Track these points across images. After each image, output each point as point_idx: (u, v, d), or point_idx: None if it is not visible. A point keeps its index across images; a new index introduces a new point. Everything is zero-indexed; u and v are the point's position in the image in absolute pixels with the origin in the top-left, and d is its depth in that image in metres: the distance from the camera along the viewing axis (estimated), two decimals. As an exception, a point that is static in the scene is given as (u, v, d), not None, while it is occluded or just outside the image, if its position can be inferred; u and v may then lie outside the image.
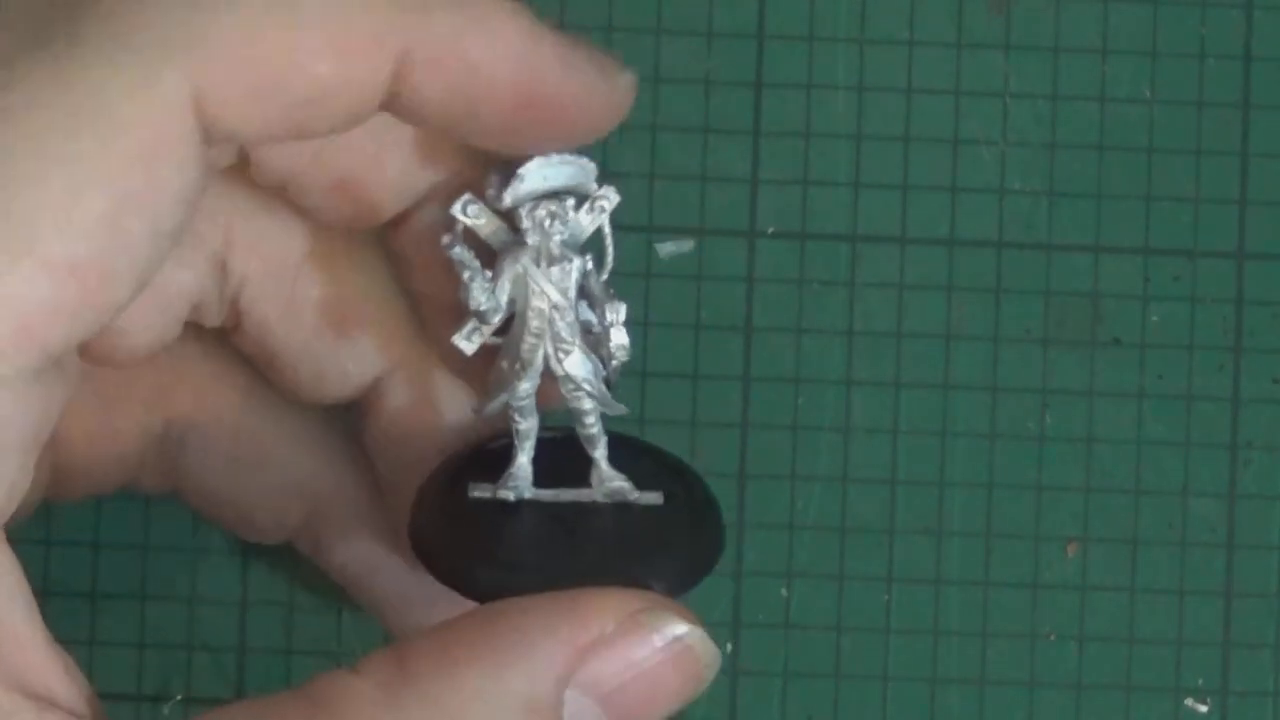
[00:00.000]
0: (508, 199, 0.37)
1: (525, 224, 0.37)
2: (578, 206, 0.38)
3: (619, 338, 0.37)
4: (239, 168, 0.38)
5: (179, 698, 0.45)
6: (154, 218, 0.33)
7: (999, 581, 0.45)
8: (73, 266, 0.32)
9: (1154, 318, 0.45)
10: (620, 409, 0.38)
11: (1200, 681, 0.45)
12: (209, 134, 0.33)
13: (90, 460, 0.40)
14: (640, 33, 0.45)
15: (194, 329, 0.40)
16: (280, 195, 0.38)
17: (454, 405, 0.40)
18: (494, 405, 0.38)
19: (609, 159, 0.45)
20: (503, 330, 0.38)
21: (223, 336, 0.41)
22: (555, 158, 0.37)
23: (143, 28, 0.32)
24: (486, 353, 0.38)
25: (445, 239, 0.37)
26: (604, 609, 0.34)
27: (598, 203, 0.38)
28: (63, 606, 0.45)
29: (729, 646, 0.45)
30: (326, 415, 0.42)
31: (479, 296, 0.37)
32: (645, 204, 0.45)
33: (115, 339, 0.38)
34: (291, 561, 0.45)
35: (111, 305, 0.33)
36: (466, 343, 0.38)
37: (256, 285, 0.39)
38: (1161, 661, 0.45)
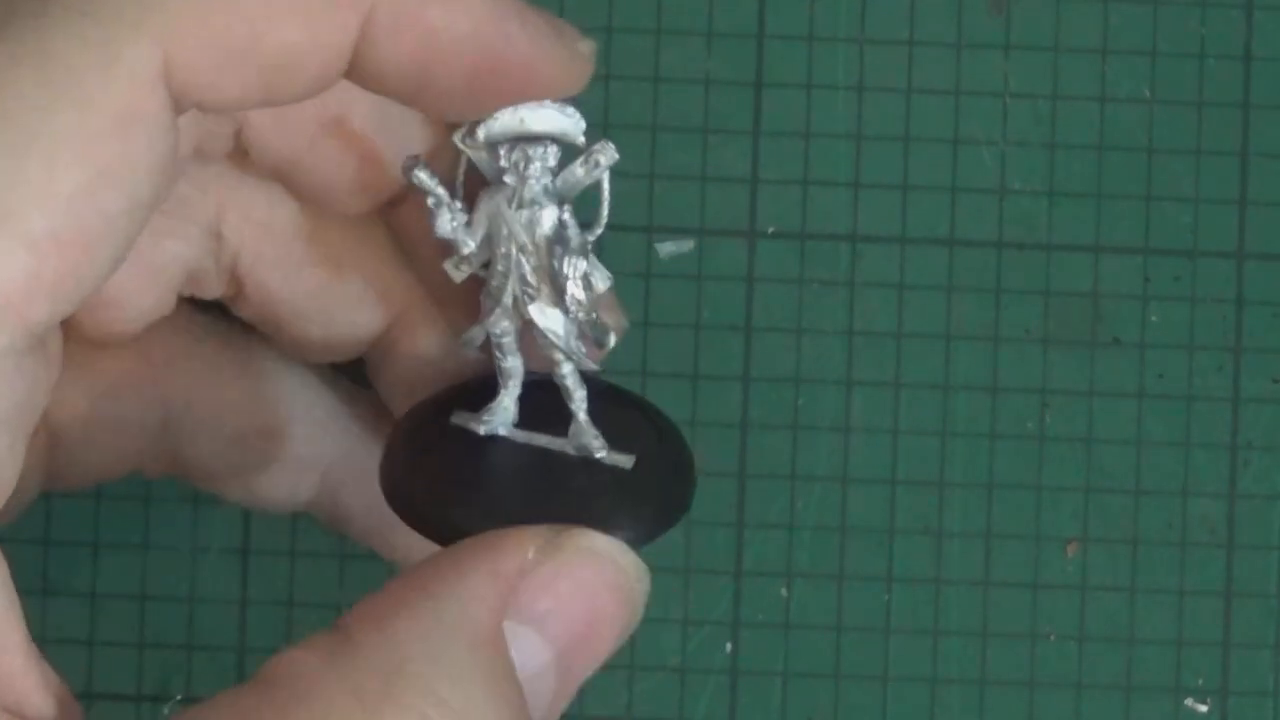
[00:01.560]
0: (480, 134, 0.37)
1: (503, 163, 0.37)
2: (572, 158, 0.37)
3: (574, 290, 0.37)
4: (236, 154, 0.38)
5: (179, 698, 0.45)
6: (130, 189, 0.33)
7: (999, 581, 0.45)
8: (52, 240, 0.32)
9: (1154, 318, 0.45)
10: (590, 365, 0.38)
11: (1200, 681, 0.45)
12: (179, 103, 0.33)
13: (90, 450, 0.40)
14: (640, 33, 0.45)
15: (185, 311, 0.40)
16: (280, 179, 0.38)
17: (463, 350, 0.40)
18: (472, 334, 0.38)
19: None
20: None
21: (218, 318, 0.41)
22: (535, 102, 0.37)
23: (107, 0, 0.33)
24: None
25: (405, 162, 0.37)
26: (522, 539, 0.35)
27: (594, 156, 0.37)
28: (63, 606, 0.45)
29: (729, 646, 0.45)
30: (329, 380, 0.42)
31: (443, 224, 0.37)
32: (645, 204, 0.45)
33: (110, 312, 0.38)
34: (292, 561, 0.45)
35: (91, 278, 0.33)
36: (455, 271, 0.38)
37: (253, 250, 0.39)
38: (1161, 661, 0.45)
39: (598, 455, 0.38)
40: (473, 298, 0.38)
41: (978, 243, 0.45)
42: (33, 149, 0.32)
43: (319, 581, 0.45)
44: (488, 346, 0.38)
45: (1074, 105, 0.45)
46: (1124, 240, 0.45)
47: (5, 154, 0.32)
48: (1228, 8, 0.45)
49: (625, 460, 0.38)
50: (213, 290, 0.40)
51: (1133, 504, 0.45)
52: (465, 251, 0.37)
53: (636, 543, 0.36)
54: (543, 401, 0.38)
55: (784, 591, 0.45)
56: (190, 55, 0.33)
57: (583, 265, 0.37)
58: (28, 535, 0.44)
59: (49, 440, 0.39)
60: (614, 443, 0.38)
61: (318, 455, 0.42)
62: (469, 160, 0.37)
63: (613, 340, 0.38)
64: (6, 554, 0.34)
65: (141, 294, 0.38)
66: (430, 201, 0.37)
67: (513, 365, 0.38)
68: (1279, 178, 0.45)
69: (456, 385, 0.39)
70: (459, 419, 0.38)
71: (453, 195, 0.37)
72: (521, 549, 0.35)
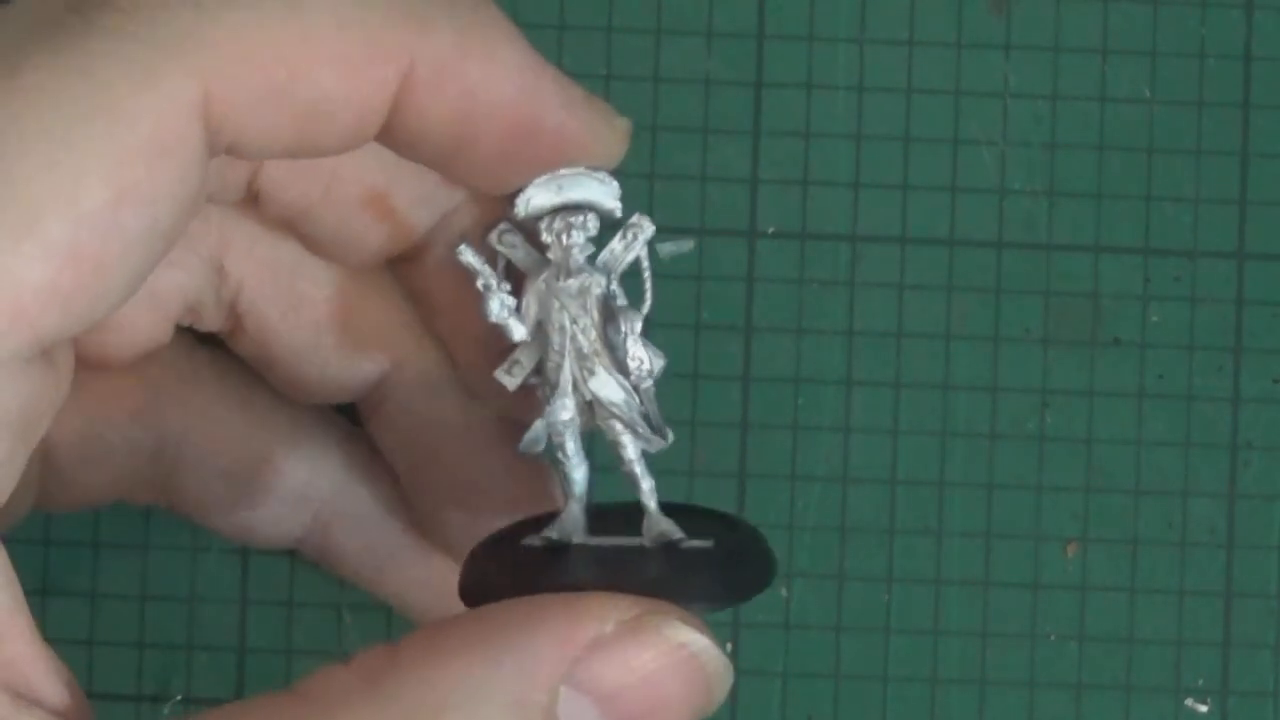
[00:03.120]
0: (520, 208, 0.36)
1: (545, 238, 0.37)
2: (608, 228, 0.37)
3: (633, 348, 0.36)
4: (246, 200, 0.38)
5: (179, 698, 0.45)
6: (152, 215, 0.33)
7: (999, 581, 0.45)
8: (71, 253, 0.32)
9: (1154, 318, 0.45)
10: (660, 442, 0.37)
11: (1200, 681, 0.45)
12: (214, 140, 0.33)
13: (79, 472, 0.40)
14: (640, 33, 0.45)
15: (186, 342, 0.40)
16: (290, 228, 0.38)
17: (461, 401, 0.40)
18: (534, 434, 0.37)
19: (609, 159, 0.45)
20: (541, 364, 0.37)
21: (216, 350, 0.41)
22: (566, 170, 0.36)
23: (154, 25, 0.33)
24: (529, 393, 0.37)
25: (459, 247, 0.36)
26: (603, 609, 0.34)
27: (630, 229, 0.37)
28: (63, 606, 0.45)
29: (729, 646, 0.45)
30: (324, 419, 0.42)
31: (493, 307, 0.36)
32: (645, 204, 0.45)
33: (106, 335, 0.38)
34: (291, 561, 0.45)
35: (104, 298, 0.33)
36: (508, 377, 0.37)
37: (255, 286, 0.39)
38: (1161, 661, 0.45)
39: (676, 539, 0.36)
40: (491, 353, 0.38)
41: (978, 243, 0.45)
42: (63, 159, 0.32)
43: (319, 582, 0.45)
44: (549, 452, 0.37)
45: (1074, 105, 0.45)
46: (1124, 240, 0.45)
47: (36, 160, 0.32)
48: (1228, 8, 0.45)
49: (704, 543, 0.36)
50: (211, 323, 0.40)
51: (1133, 504, 0.45)
52: (517, 338, 0.37)
53: (719, 605, 0.35)
54: (607, 519, 0.37)
55: (784, 591, 0.45)
56: (228, 89, 0.33)
57: (639, 323, 0.36)
58: (28, 535, 0.44)
59: (42, 457, 0.39)
60: (688, 533, 0.36)
61: (310, 493, 0.42)
62: (506, 260, 0.37)
63: (670, 437, 0.37)
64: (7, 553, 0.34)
65: (138, 319, 0.38)
66: (480, 284, 0.36)
67: (578, 474, 0.37)
68: (1279, 178, 0.45)
69: (522, 519, 0.38)
70: (532, 540, 0.37)
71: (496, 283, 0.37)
72: (602, 620, 0.33)
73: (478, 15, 0.35)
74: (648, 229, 0.37)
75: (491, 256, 0.37)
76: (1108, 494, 0.45)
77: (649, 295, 0.38)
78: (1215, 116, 0.45)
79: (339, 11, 0.34)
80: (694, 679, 0.34)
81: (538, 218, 0.37)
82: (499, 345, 0.37)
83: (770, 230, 0.45)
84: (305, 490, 0.42)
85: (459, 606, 0.36)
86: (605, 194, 0.37)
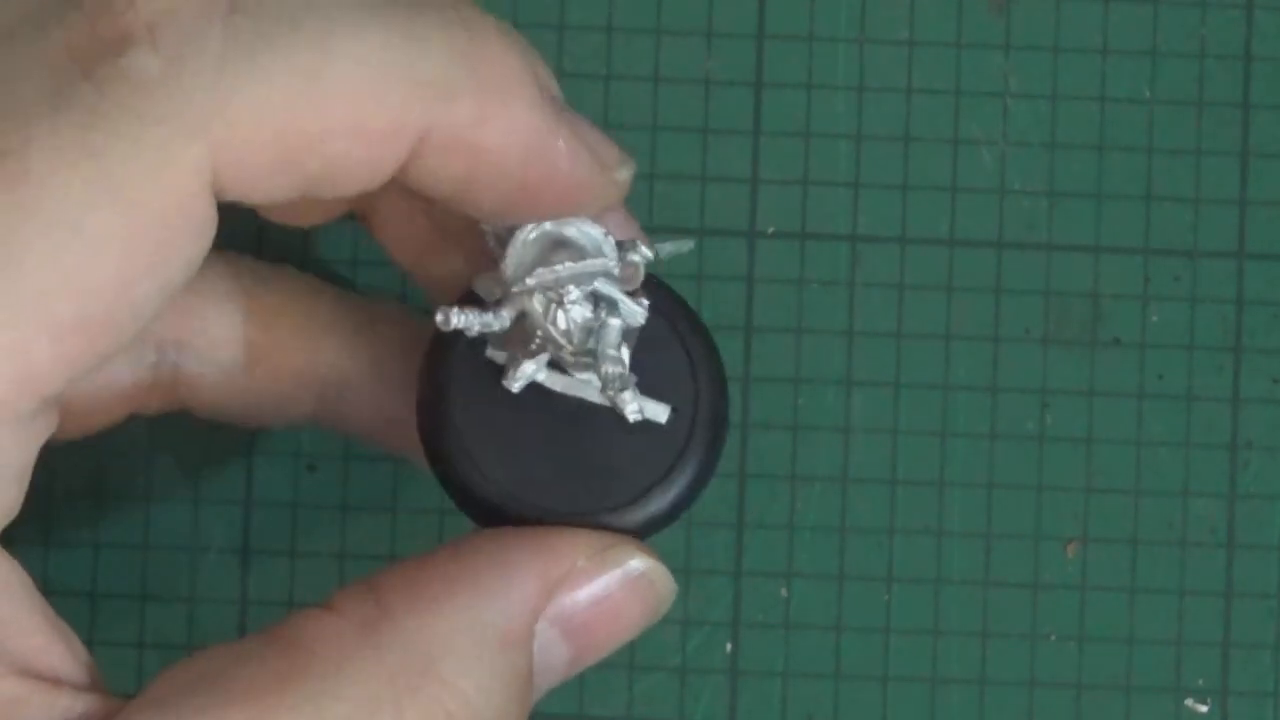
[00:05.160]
0: (510, 279, 0.37)
1: (531, 282, 0.37)
2: (594, 279, 0.37)
3: (609, 368, 0.37)
4: None
5: (179, 698, 0.45)
6: (165, 280, 0.33)
7: (999, 581, 0.45)
8: (76, 326, 0.33)
9: (1154, 318, 0.45)
10: (633, 411, 0.38)
11: (1200, 681, 0.45)
12: (219, 197, 0.34)
13: (90, 400, 0.40)
14: (640, 33, 0.45)
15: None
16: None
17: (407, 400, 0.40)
18: (518, 378, 0.38)
19: (609, 159, 0.45)
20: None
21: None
22: (551, 225, 0.37)
23: (165, 99, 0.32)
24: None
25: (439, 317, 0.36)
26: (575, 546, 0.36)
27: (628, 255, 0.37)
28: (63, 606, 0.45)
29: (729, 646, 0.45)
30: (315, 289, 0.42)
31: (497, 351, 0.37)
32: (645, 204, 0.45)
33: (65, 421, 0.38)
34: (292, 561, 0.45)
35: (112, 352, 0.33)
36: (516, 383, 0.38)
37: (193, 371, 0.40)
38: (1161, 661, 0.45)
39: (631, 418, 0.38)
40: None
41: (978, 243, 0.45)
42: (72, 242, 0.32)
43: (319, 581, 0.45)
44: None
45: (1074, 105, 0.45)
46: (1124, 240, 0.45)
47: (45, 249, 0.32)
48: (1228, 8, 0.45)
49: (660, 412, 0.38)
50: (151, 409, 0.40)
51: (1133, 504, 0.45)
52: (497, 329, 0.37)
53: (667, 520, 0.38)
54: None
55: (784, 591, 0.45)
56: (240, 160, 0.33)
57: (618, 370, 0.37)
58: (28, 535, 0.44)
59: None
60: (649, 378, 0.38)
61: (311, 370, 0.41)
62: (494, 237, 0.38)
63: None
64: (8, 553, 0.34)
65: (93, 414, 0.39)
66: (473, 334, 0.37)
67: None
68: (1279, 178, 0.45)
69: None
70: (495, 355, 0.38)
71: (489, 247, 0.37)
72: (572, 556, 0.36)
73: (498, 77, 0.35)
74: (644, 253, 0.38)
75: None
76: (1108, 494, 0.45)
77: (642, 317, 0.38)
78: (1215, 116, 0.45)
79: (360, 83, 0.33)
80: (648, 600, 0.37)
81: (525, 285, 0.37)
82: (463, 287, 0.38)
83: (770, 230, 0.45)
84: (311, 369, 0.41)
85: None
86: (600, 268, 0.37)
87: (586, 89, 0.45)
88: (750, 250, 0.45)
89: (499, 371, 0.38)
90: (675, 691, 0.45)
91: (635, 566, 0.37)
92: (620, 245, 0.37)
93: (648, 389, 0.38)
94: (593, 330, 0.37)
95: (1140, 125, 0.45)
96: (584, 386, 0.38)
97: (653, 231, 0.45)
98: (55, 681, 0.34)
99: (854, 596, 0.45)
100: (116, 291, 0.33)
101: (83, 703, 0.34)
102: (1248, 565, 0.45)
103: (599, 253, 0.37)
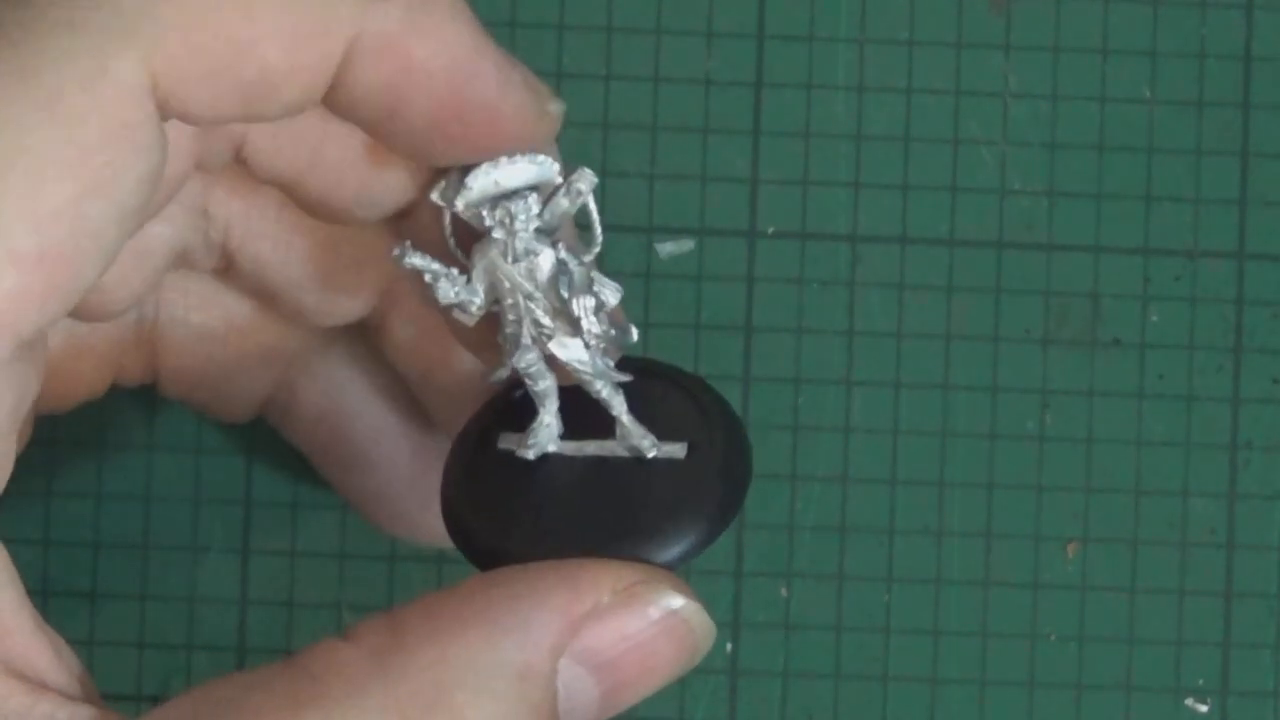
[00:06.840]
0: (459, 204, 0.37)
1: (488, 222, 0.37)
2: (550, 196, 0.37)
3: (588, 325, 0.37)
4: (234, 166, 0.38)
5: (179, 698, 0.45)
6: (118, 201, 0.33)
7: (999, 581, 0.45)
8: (39, 256, 0.32)
9: (1154, 318, 0.45)
10: (620, 377, 0.37)
11: (1200, 681, 0.45)
12: (162, 113, 0.33)
13: (72, 370, 0.40)
14: (640, 33, 0.45)
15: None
16: (286, 193, 0.38)
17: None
18: (499, 374, 0.38)
19: (609, 159, 0.45)
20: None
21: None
22: (505, 160, 0.36)
23: (95, 10, 0.32)
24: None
25: (395, 251, 0.37)
26: (600, 580, 0.35)
27: (574, 186, 0.37)
28: (63, 606, 0.45)
29: (729, 646, 0.45)
30: None
31: (447, 292, 0.37)
32: (645, 204, 0.45)
33: (97, 297, 0.38)
34: (291, 561, 0.45)
35: (80, 287, 0.33)
36: (466, 317, 0.37)
37: (242, 225, 0.39)
38: (1161, 661, 0.45)
39: (649, 455, 0.37)
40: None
41: (978, 243, 0.45)
42: (17, 165, 0.32)
43: (319, 581, 0.45)
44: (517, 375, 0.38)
45: (1074, 105, 0.45)
46: (1124, 240, 0.45)
47: None
48: (1228, 8, 0.45)
49: (678, 450, 0.37)
50: (204, 265, 0.40)
51: (1133, 504, 0.45)
52: (474, 309, 0.37)
53: (693, 551, 0.36)
54: (584, 403, 0.38)
55: (784, 591, 0.45)
56: (175, 70, 0.33)
57: (591, 301, 0.37)
58: (28, 535, 0.44)
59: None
60: (662, 430, 0.37)
61: (276, 346, 0.41)
62: (453, 215, 0.37)
63: (635, 336, 0.38)
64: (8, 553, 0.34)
65: (128, 280, 0.38)
66: (427, 278, 0.37)
67: (546, 387, 0.38)
68: (1279, 178, 0.45)
69: (501, 397, 0.39)
70: (506, 442, 0.38)
71: (449, 250, 0.37)
72: (597, 590, 0.35)
73: None
74: (589, 177, 0.37)
75: (437, 214, 0.37)
76: (1108, 494, 0.45)
77: (599, 236, 0.37)
78: (1215, 116, 0.45)
79: None
80: (683, 641, 0.35)
81: (478, 208, 0.37)
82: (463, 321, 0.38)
83: (770, 230, 0.45)
84: (276, 345, 0.41)
85: (425, 497, 0.36)
86: (543, 173, 0.37)
87: (586, 89, 0.45)
88: (750, 250, 0.45)
89: (515, 459, 0.37)
90: (675, 691, 0.45)
91: (667, 604, 0.35)
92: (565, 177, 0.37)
93: (662, 435, 0.37)
94: (559, 281, 0.37)
95: (1140, 125, 0.45)
96: (598, 446, 0.37)
97: (653, 231, 0.45)
98: (39, 685, 0.34)
99: (854, 596, 0.45)
100: (71, 217, 0.32)
101: (67, 712, 0.34)
102: (1248, 565, 0.45)
103: (543, 177, 0.37)
